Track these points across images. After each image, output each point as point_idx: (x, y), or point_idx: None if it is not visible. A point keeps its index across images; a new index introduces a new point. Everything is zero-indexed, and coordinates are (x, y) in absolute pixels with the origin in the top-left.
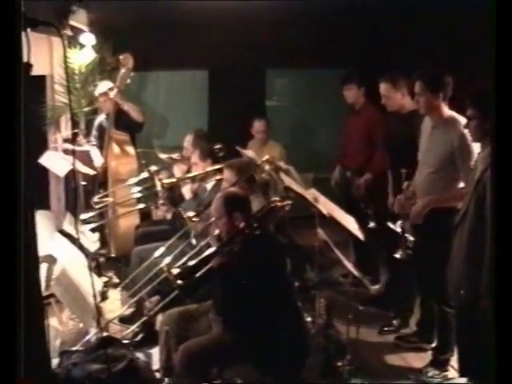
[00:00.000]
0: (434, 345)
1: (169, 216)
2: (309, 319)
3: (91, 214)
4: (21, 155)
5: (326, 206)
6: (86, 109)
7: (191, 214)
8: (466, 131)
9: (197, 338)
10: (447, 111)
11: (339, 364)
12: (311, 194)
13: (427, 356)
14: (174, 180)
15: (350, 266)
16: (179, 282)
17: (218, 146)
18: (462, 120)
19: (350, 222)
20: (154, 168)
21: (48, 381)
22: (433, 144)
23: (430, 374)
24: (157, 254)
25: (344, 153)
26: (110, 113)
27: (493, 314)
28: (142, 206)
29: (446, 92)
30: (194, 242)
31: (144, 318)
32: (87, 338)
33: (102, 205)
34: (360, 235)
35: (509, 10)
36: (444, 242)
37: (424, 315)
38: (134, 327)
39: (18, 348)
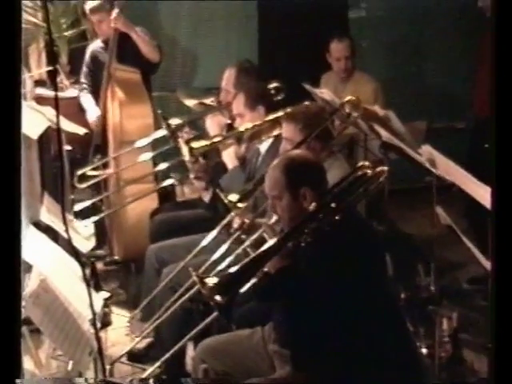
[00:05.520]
0: None
1: (206, 197)
2: (424, 350)
3: (82, 195)
4: None
5: (449, 172)
6: (69, 32)
7: (234, 197)
8: None
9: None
10: None
11: None
12: (425, 153)
13: None
14: (207, 143)
15: (489, 266)
16: (217, 297)
17: (274, 85)
18: None
19: (488, 196)
20: (175, 122)
21: None
22: None
23: None
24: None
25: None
26: (111, 39)
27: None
28: (167, 182)
29: None
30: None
31: (169, 354)
32: None
33: (98, 179)
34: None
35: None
36: None
37: None
38: (154, 368)
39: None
